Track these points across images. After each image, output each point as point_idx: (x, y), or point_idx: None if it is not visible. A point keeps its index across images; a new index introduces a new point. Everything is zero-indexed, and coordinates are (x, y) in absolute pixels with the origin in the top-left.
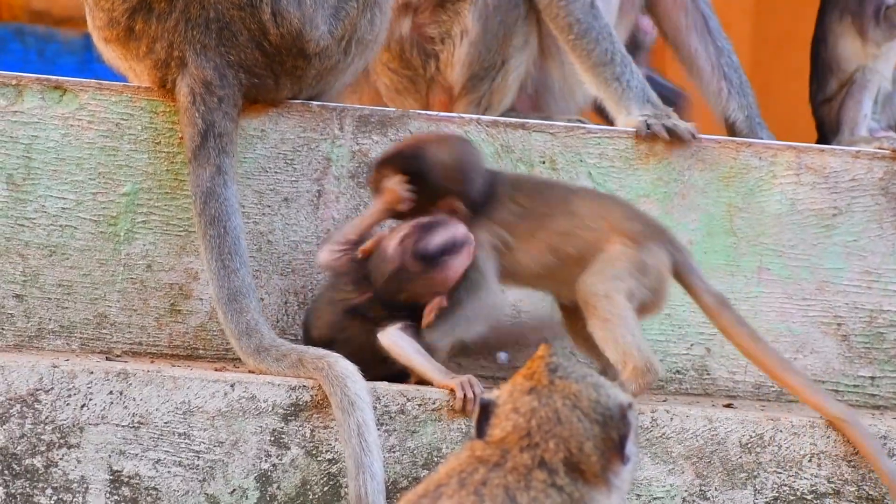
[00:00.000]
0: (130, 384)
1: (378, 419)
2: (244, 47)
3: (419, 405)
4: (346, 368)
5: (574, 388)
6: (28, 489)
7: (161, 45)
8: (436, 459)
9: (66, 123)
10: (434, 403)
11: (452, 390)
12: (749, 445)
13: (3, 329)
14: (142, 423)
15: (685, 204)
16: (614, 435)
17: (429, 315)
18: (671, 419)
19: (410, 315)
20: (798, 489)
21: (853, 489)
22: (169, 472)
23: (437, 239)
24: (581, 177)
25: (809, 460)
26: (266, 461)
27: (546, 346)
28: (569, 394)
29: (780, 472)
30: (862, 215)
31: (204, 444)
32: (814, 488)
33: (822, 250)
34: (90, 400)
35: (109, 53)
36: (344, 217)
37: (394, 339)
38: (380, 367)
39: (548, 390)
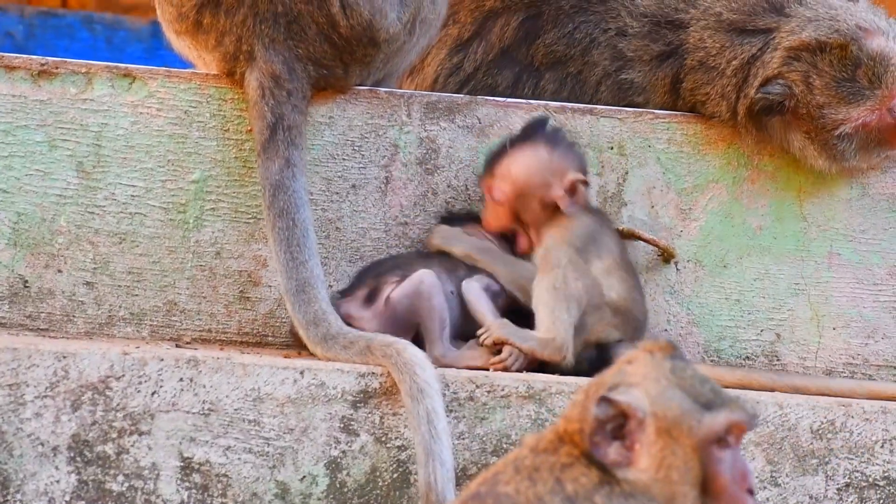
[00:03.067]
0: (200, 371)
1: (447, 406)
2: (313, 41)
3: (488, 392)
4: (415, 355)
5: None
6: (100, 476)
7: (230, 39)
8: (505, 446)
9: (136, 111)
10: (503, 390)
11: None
12: (820, 431)
13: (73, 316)
14: (212, 410)
15: (754, 189)
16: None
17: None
18: None
19: None
20: (870, 475)
21: None
22: (239, 458)
23: None
24: (649, 162)
25: (882, 446)
26: (335, 448)
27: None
28: None
29: (852, 459)
30: None
31: (274, 430)
32: (886, 474)
33: (893, 235)
34: (160, 387)
35: (179, 43)
36: (412, 204)
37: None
38: None
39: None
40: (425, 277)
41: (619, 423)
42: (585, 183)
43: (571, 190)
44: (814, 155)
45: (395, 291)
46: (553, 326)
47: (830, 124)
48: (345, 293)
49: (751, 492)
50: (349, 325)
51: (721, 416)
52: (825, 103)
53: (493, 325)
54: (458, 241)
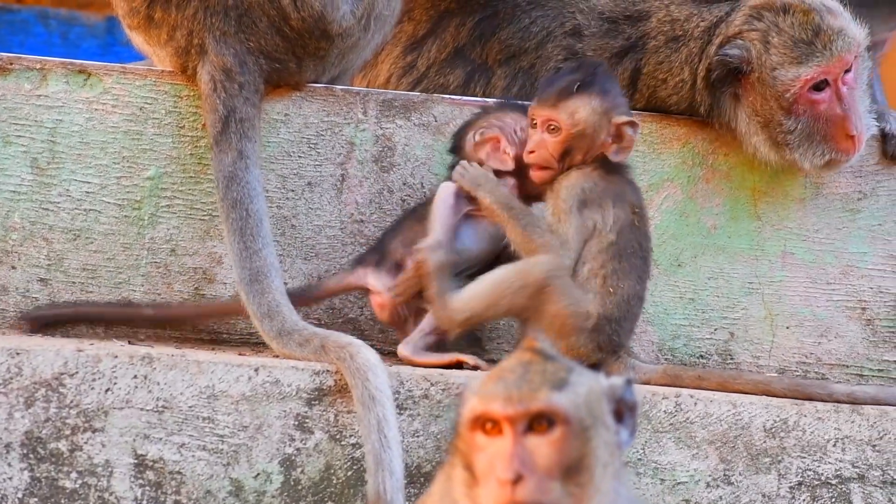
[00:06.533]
0: (155, 368)
1: (402, 404)
2: (264, 33)
3: (443, 389)
4: (368, 360)
5: None
6: (53, 473)
7: (181, 33)
8: None
9: (91, 107)
10: (458, 388)
11: None
12: (773, 430)
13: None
14: (166, 408)
15: (709, 188)
16: None
17: None
18: (695, 404)
19: None
20: (822, 474)
21: (878, 474)
22: (193, 456)
23: None
24: None
25: (834, 445)
26: (290, 445)
27: None
28: None
29: (805, 457)
30: (887, 199)
31: (228, 428)
32: (838, 473)
33: (846, 234)
34: (115, 384)
35: (136, 39)
36: (368, 202)
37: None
38: None
39: None
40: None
41: None
42: (633, 125)
43: (618, 135)
44: (758, 139)
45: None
46: (469, 304)
47: (780, 88)
48: (364, 259)
49: (512, 481)
50: (366, 293)
51: (469, 404)
52: (779, 63)
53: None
54: (485, 189)
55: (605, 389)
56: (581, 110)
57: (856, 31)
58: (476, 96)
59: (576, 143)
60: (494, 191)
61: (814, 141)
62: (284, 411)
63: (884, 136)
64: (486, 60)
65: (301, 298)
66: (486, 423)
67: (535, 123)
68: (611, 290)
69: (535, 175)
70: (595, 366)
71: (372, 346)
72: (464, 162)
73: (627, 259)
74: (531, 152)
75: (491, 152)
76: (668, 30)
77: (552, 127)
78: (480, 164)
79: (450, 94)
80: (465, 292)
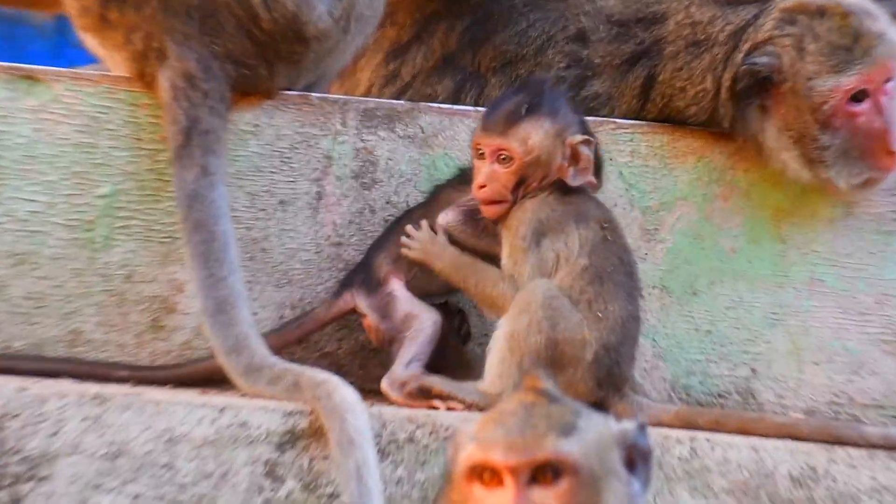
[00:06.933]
0: (107, 409)
1: (384, 448)
2: (231, 36)
3: (430, 433)
4: (346, 399)
5: None
6: None
7: (138, 36)
8: None
9: (38, 117)
10: (447, 430)
11: None
12: (800, 479)
13: None
14: (120, 453)
15: (727, 207)
16: None
17: None
18: (712, 449)
19: None
20: None
21: None
22: None
23: None
24: (611, 177)
25: (869, 496)
26: (259, 495)
27: None
28: None
29: None
30: None
31: (189, 476)
32: None
33: (881, 259)
34: (62, 427)
35: (88, 41)
36: (347, 222)
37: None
38: None
39: None
40: (435, 319)
41: None
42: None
43: (574, 157)
44: (790, 155)
45: (401, 305)
46: (499, 380)
47: (817, 100)
48: (350, 281)
49: None
50: (360, 317)
51: (465, 451)
52: (815, 73)
53: (432, 379)
54: (434, 255)
55: (616, 435)
56: (533, 135)
57: None
58: (469, 106)
59: (530, 172)
60: (442, 255)
61: (851, 157)
62: (253, 457)
63: None
64: (478, 68)
65: (284, 334)
66: (484, 473)
67: (483, 154)
68: (599, 315)
69: (488, 210)
70: (597, 405)
71: (352, 382)
72: (409, 228)
73: (610, 279)
74: (482, 187)
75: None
76: (689, 34)
77: (503, 157)
78: None
79: (438, 104)
80: (487, 372)
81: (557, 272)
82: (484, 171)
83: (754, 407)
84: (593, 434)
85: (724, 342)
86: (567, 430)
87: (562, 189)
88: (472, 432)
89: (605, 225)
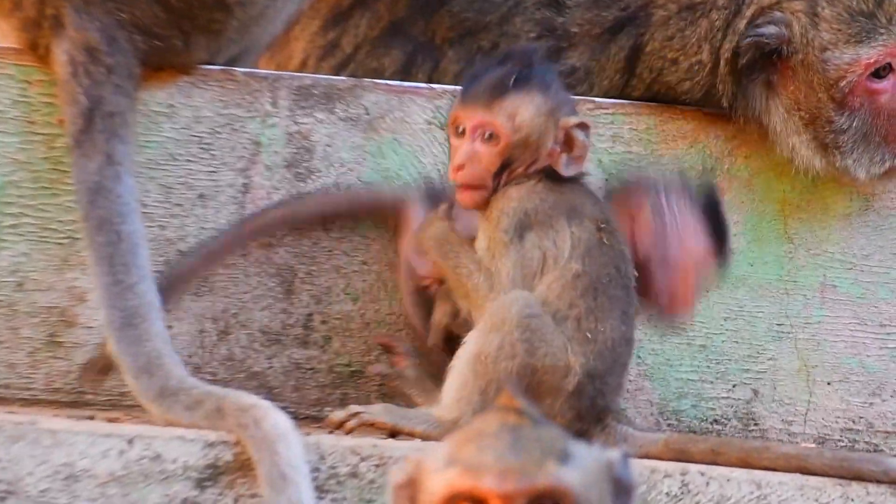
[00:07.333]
0: None
1: (322, 485)
2: (140, 3)
3: (376, 466)
4: (277, 427)
5: None
6: None
7: (30, 2)
8: None
9: None
10: (396, 462)
11: None
12: None
13: None
14: (9, 493)
15: (726, 201)
16: None
17: None
18: (707, 484)
19: None
20: None
21: None
22: None
23: None
24: (589, 166)
25: None
26: None
27: None
28: None
29: None
30: None
31: None
32: None
33: None
34: None
35: None
36: None
37: None
38: None
39: None
40: None
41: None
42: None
43: (568, 142)
44: (800, 140)
45: None
46: (457, 406)
47: (833, 75)
48: None
49: None
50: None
51: (441, 479)
52: (831, 42)
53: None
54: (425, 228)
55: (605, 465)
56: (522, 111)
57: None
58: (420, 83)
59: (517, 154)
60: (429, 227)
61: (871, 143)
62: (167, 495)
63: None
64: (432, 38)
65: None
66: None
67: (462, 130)
68: (588, 335)
69: (464, 197)
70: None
71: (285, 408)
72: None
73: (604, 292)
74: (459, 168)
75: None
76: None
77: (487, 134)
78: None
79: (386, 80)
80: (444, 395)
81: (543, 275)
82: (463, 149)
83: (757, 435)
84: (588, 462)
85: (722, 359)
86: (564, 457)
87: (552, 178)
88: (448, 456)
89: (603, 225)
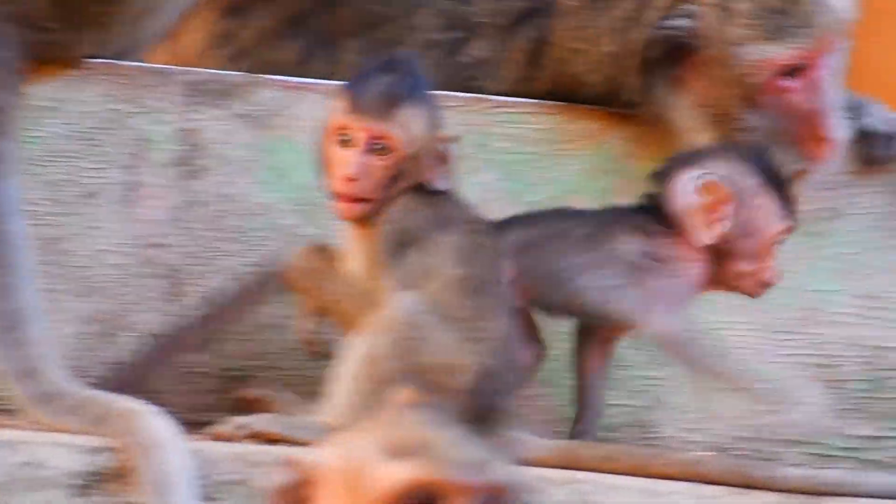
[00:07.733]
0: None
1: (209, 493)
2: None
3: (266, 473)
4: (160, 432)
5: None
6: None
7: None
8: None
9: None
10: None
11: None
12: None
13: None
14: None
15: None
16: None
17: None
18: (596, 491)
19: None
20: None
21: None
22: None
23: None
24: (487, 167)
25: None
26: None
27: None
28: None
29: None
30: (865, 219)
31: None
32: None
33: (808, 267)
34: None
35: None
36: (170, 219)
37: None
38: None
39: None
40: None
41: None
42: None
43: (441, 155)
44: (706, 138)
45: None
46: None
47: (743, 71)
48: None
49: None
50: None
51: (399, 468)
52: (743, 38)
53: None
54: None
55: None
56: (415, 124)
57: (841, 2)
58: (318, 78)
59: (406, 167)
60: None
61: (780, 143)
62: (47, 502)
63: (864, 136)
64: (332, 31)
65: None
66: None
67: (350, 141)
68: (479, 335)
69: (349, 209)
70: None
71: (174, 413)
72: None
73: (487, 291)
74: (351, 180)
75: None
76: None
77: (380, 146)
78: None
79: (282, 74)
80: (332, 401)
81: (429, 284)
82: (354, 161)
83: (656, 443)
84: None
85: (619, 364)
86: (498, 455)
87: (422, 191)
88: (391, 448)
89: (476, 227)
